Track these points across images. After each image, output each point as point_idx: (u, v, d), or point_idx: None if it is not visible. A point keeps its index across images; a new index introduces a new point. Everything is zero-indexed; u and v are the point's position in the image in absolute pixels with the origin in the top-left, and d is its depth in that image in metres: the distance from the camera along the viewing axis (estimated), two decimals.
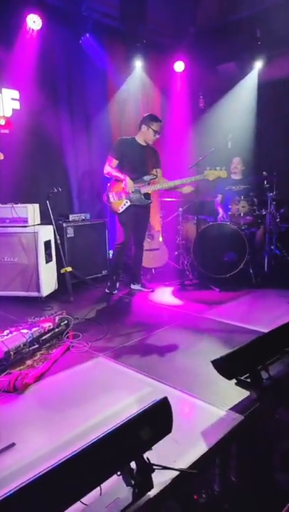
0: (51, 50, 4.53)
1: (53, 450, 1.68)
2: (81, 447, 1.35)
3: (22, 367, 2.41)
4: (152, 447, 1.53)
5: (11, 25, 4.17)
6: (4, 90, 4.23)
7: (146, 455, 1.50)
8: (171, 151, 5.44)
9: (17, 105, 4.34)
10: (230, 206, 4.55)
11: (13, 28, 4.17)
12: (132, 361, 2.47)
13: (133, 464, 1.48)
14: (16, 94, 4.32)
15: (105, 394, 2.12)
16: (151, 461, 1.50)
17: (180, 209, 4.91)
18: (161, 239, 5.01)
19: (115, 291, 4.10)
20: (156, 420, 1.57)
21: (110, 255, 4.82)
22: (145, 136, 3.94)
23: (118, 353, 2.63)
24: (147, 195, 4.00)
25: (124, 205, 3.92)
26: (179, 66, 5.59)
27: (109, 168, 3.92)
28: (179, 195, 4.88)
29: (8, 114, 4.30)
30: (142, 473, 1.49)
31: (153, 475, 1.50)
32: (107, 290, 4.11)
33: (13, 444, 1.70)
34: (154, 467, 1.51)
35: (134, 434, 1.47)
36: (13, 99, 4.32)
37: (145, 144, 3.98)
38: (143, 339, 2.86)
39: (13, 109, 4.32)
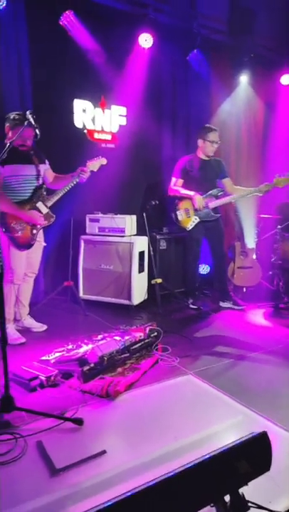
0: (158, 67, 4.70)
1: (141, 465, 1.67)
2: (177, 470, 1.31)
3: (113, 373, 2.46)
4: (248, 483, 1.44)
5: (123, 45, 4.42)
6: (113, 107, 4.48)
7: (241, 490, 1.41)
8: (275, 163, 5.26)
9: (124, 121, 4.57)
10: None
11: (125, 47, 4.42)
12: (223, 384, 2.37)
13: (227, 498, 1.40)
14: (123, 110, 4.55)
15: (195, 415, 2.06)
16: (246, 498, 1.41)
17: (278, 227, 4.66)
18: (254, 257, 4.80)
19: (201, 307, 4.05)
20: (255, 455, 1.47)
21: (202, 270, 4.79)
22: (204, 149, 3.94)
23: (208, 373, 2.55)
24: (216, 210, 3.97)
25: (194, 222, 3.97)
26: (286, 79, 5.40)
27: (176, 188, 4.00)
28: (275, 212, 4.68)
29: (115, 129, 4.54)
30: (236, 509, 1.40)
31: None
32: (191, 305, 4.08)
33: (104, 452, 1.72)
34: (250, 504, 1.41)
35: (232, 466, 1.39)
36: (120, 115, 4.54)
37: (207, 158, 3.96)
38: (235, 362, 2.73)
39: (119, 125, 4.55)
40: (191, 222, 3.97)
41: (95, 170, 3.33)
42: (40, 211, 3.09)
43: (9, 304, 3.04)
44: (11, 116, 2.94)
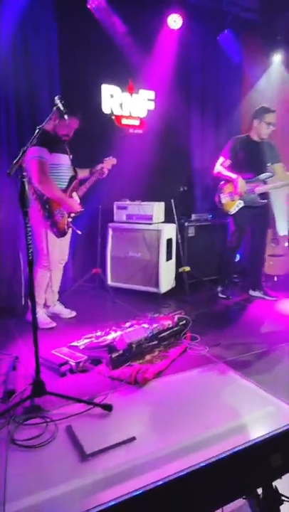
0: (187, 49, 4.57)
1: (171, 453, 1.64)
2: (208, 460, 1.29)
3: (141, 361, 2.44)
4: (282, 477, 1.40)
5: (151, 27, 4.32)
6: (141, 91, 4.40)
7: (274, 484, 1.38)
8: None
9: (152, 106, 4.48)
10: None
11: (153, 29, 4.32)
12: (254, 374, 2.31)
13: (260, 490, 1.37)
14: (151, 94, 4.46)
15: (225, 405, 2.01)
16: (280, 492, 1.37)
17: None
18: (287, 244, 4.65)
19: (230, 296, 3.96)
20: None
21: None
22: (259, 131, 3.66)
23: (238, 362, 2.49)
24: (263, 195, 3.74)
25: (238, 206, 3.74)
26: None
27: (221, 168, 3.78)
28: None
29: (143, 114, 4.46)
30: (270, 502, 1.36)
31: (281, 507, 1.36)
32: (220, 294, 3.98)
33: (133, 439, 1.72)
34: (283, 498, 1.37)
35: (265, 458, 1.35)
36: (148, 99, 4.46)
37: (260, 140, 3.70)
38: (265, 352, 2.66)
39: (148, 110, 4.46)
40: (234, 207, 3.74)
41: (109, 168, 3.39)
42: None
43: (41, 289, 3.10)
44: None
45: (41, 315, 3.07)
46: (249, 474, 1.35)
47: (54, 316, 3.27)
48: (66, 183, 3.09)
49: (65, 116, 2.39)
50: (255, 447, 1.34)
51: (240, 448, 1.31)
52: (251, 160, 3.71)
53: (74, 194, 3.15)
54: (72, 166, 3.14)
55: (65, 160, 3.08)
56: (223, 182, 3.86)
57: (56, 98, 2.22)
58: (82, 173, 3.31)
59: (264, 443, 1.36)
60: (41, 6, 3.71)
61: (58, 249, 3.11)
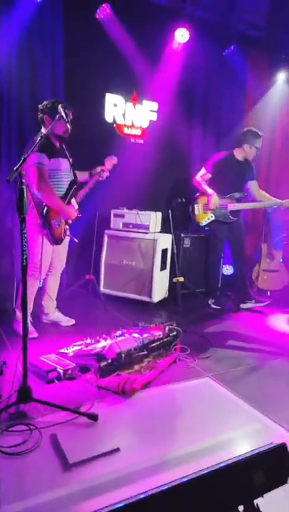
0: (193, 62, 4.62)
1: (154, 466, 1.64)
2: (190, 475, 1.28)
3: (130, 371, 2.44)
4: (263, 495, 1.39)
5: (158, 40, 4.39)
6: (145, 102, 4.44)
7: (255, 502, 1.37)
8: None
9: (154, 117, 4.53)
10: None
11: (160, 41, 4.38)
12: (242, 389, 2.31)
13: (240, 508, 1.36)
14: (155, 106, 4.50)
15: (211, 419, 2.01)
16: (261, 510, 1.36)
17: None
18: (281, 260, 4.68)
19: (222, 307, 4.00)
20: (271, 466, 1.42)
21: (225, 270, 4.73)
22: (247, 153, 3.84)
23: (227, 376, 2.50)
24: (235, 213, 3.88)
25: (209, 219, 3.93)
26: None
27: (200, 179, 3.92)
28: None
29: (145, 125, 4.50)
30: None
31: None
32: (213, 306, 4.03)
33: (117, 450, 1.71)
34: None
35: (247, 476, 1.35)
36: (151, 110, 4.50)
37: (243, 160, 3.86)
38: (255, 367, 2.67)
39: (150, 121, 4.51)
40: (206, 219, 3.94)
41: (110, 169, 3.33)
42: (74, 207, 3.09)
43: (30, 299, 3.02)
44: (48, 105, 2.86)
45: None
46: (231, 491, 1.35)
47: (53, 324, 3.25)
48: (65, 189, 3.01)
49: (68, 125, 2.43)
50: (239, 464, 1.34)
51: (223, 464, 1.31)
52: (233, 178, 3.88)
53: (72, 200, 3.07)
54: (72, 171, 3.06)
55: (65, 165, 2.99)
56: (199, 193, 4.01)
57: (59, 107, 2.24)
58: (82, 176, 3.23)
59: (247, 460, 1.36)
60: (49, 14, 3.75)
61: (50, 258, 3.04)
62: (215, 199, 3.84)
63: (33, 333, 2.98)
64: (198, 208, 3.98)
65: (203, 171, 3.95)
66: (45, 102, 2.90)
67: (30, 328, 3.03)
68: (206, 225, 4.00)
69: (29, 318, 3.13)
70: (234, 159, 3.87)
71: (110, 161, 3.33)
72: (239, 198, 3.89)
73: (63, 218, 2.99)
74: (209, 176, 3.91)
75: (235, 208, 3.88)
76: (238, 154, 3.87)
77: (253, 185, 3.95)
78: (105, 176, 3.29)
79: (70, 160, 3.07)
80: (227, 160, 3.88)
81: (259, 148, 3.85)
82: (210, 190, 3.86)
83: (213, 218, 3.92)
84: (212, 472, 1.28)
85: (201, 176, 3.94)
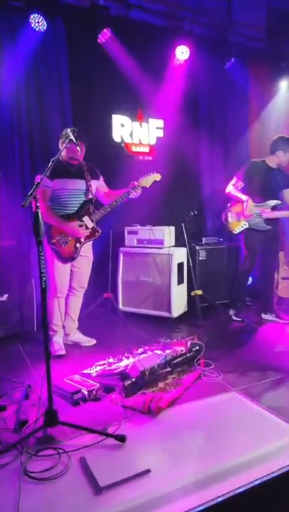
0: (195, 78, 4.70)
1: (187, 486, 1.60)
2: (225, 495, 1.25)
3: (155, 388, 2.41)
4: None
5: (159, 58, 4.48)
6: (151, 120, 4.52)
7: None
8: None
9: (161, 133, 4.59)
10: None
11: (161, 60, 4.47)
12: (270, 402, 2.25)
13: None
14: (160, 123, 4.58)
15: (241, 435, 1.96)
16: None
17: None
18: None
19: (244, 319, 3.91)
20: None
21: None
22: (280, 160, 3.74)
23: (253, 390, 2.43)
24: (270, 221, 3.76)
25: (242, 227, 3.80)
26: None
27: (232, 188, 3.83)
28: None
29: (153, 142, 4.57)
30: None
31: None
32: (234, 317, 3.95)
33: (148, 471, 1.68)
34: None
35: (286, 492, 1.31)
36: (157, 127, 4.57)
37: (276, 167, 3.78)
38: (282, 379, 2.60)
39: (157, 138, 4.57)
40: (239, 227, 3.81)
41: (148, 186, 3.20)
42: (86, 225, 3.09)
43: (52, 317, 3.07)
44: (63, 132, 2.96)
45: (55, 340, 3.08)
46: (269, 509, 1.30)
47: (74, 345, 3.26)
48: (76, 208, 3.05)
49: (78, 148, 2.48)
50: (274, 480, 1.29)
51: (258, 482, 1.27)
52: (265, 186, 3.76)
53: (85, 219, 3.07)
54: (87, 191, 3.09)
55: (77, 185, 3.04)
56: (231, 201, 3.92)
57: (69, 131, 2.30)
58: (113, 196, 3.17)
59: (284, 475, 1.31)
60: (53, 42, 3.89)
61: (66, 276, 3.09)
62: (251, 205, 3.73)
63: (60, 350, 3.05)
64: (231, 216, 3.86)
65: (234, 180, 3.87)
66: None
67: (58, 345, 3.09)
68: (240, 233, 3.86)
69: (61, 336, 3.18)
70: (267, 166, 3.78)
71: (148, 177, 3.20)
72: (275, 206, 3.76)
73: (70, 235, 3.01)
74: (241, 184, 3.82)
75: (270, 216, 3.76)
76: (271, 161, 3.78)
77: (287, 194, 3.79)
78: (137, 192, 3.16)
79: (91, 182, 3.11)
80: (259, 167, 3.79)
81: None
82: (244, 197, 3.76)
83: (247, 226, 3.79)
84: (248, 490, 1.25)
85: (233, 184, 3.86)
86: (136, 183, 3.15)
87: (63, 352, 3.05)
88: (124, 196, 3.14)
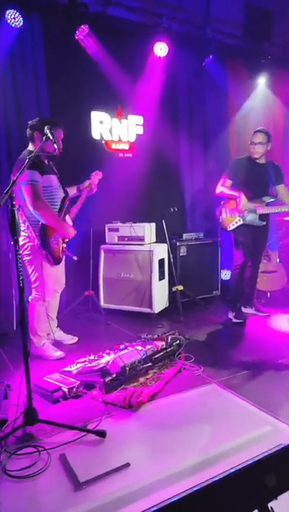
0: (174, 75, 4.71)
1: (166, 478, 1.63)
2: (202, 484, 1.27)
3: (136, 384, 2.43)
4: (277, 497, 1.38)
5: (138, 55, 4.46)
6: (130, 116, 4.51)
7: (270, 505, 1.36)
8: None
9: (140, 130, 4.59)
10: None
11: (140, 57, 4.46)
12: (249, 393, 2.30)
13: None
14: (140, 119, 4.57)
15: (221, 425, 2.00)
16: None
17: None
18: (278, 260, 4.70)
19: (244, 320, 3.81)
20: (284, 468, 1.41)
21: (223, 276, 4.72)
22: (249, 151, 3.70)
23: (233, 382, 2.48)
24: (263, 216, 3.74)
25: (236, 222, 3.73)
26: None
27: (222, 188, 3.77)
28: None
29: (132, 139, 4.56)
30: None
31: None
32: (234, 320, 3.81)
33: (127, 465, 1.70)
34: None
35: (260, 479, 1.34)
36: (137, 124, 4.57)
37: (263, 162, 3.74)
38: (261, 370, 2.66)
39: (136, 134, 4.57)
40: (233, 223, 3.73)
41: (96, 183, 3.31)
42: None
43: (43, 322, 2.97)
44: (35, 122, 2.84)
45: (47, 347, 3.00)
46: (244, 496, 1.33)
47: (55, 343, 3.21)
48: (58, 206, 2.94)
49: (55, 145, 2.45)
50: (250, 468, 1.32)
51: (235, 469, 1.29)
52: (251, 180, 3.72)
53: (67, 217, 3.01)
54: (62, 187, 3.01)
55: (55, 181, 2.94)
56: (225, 199, 3.86)
57: (46, 128, 2.28)
58: (71, 192, 3.17)
59: (258, 464, 1.34)
60: (29, 38, 3.83)
61: (53, 278, 2.98)
62: (244, 199, 3.64)
63: (61, 355, 2.98)
64: (225, 211, 3.79)
65: (222, 180, 3.81)
66: (36, 119, 2.87)
67: (54, 349, 3.03)
68: (233, 230, 3.78)
69: (49, 340, 3.11)
70: (250, 160, 3.73)
71: (96, 176, 3.29)
72: (268, 201, 3.71)
73: (60, 236, 2.91)
74: (230, 182, 3.76)
75: (264, 211, 3.71)
76: (252, 155, 3.72)
77: (280, 189, 3.76)
78: (94, 190, 3.27)
79: (58, 176, 3.02)
80: (242, 162, 3.76)
81: (257, 142, 3.64)
82: (236, 193, 3.68)
83: (241, 222, 3.72)
84: (223, 479, 1.27)
85: (222, 184, 3.79)
86: (92, 184, 3.27)
87: (63, 354, 2.97)
88: (86, 194, 3.24)
